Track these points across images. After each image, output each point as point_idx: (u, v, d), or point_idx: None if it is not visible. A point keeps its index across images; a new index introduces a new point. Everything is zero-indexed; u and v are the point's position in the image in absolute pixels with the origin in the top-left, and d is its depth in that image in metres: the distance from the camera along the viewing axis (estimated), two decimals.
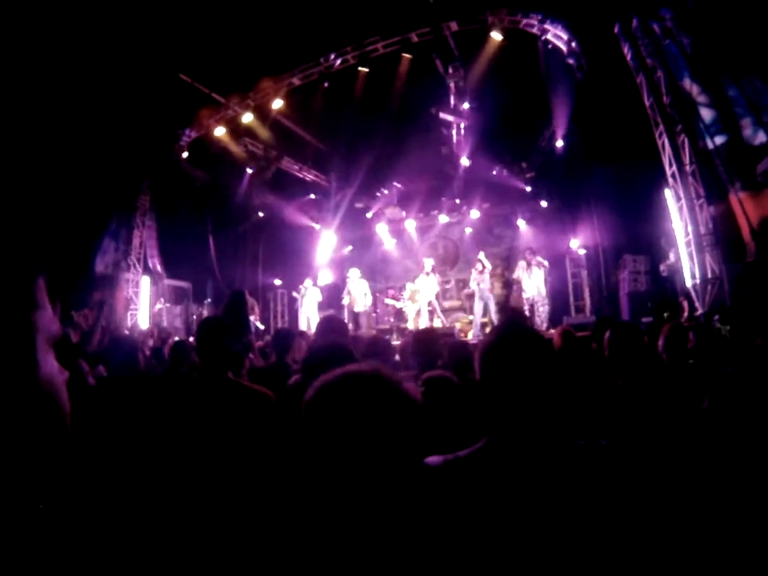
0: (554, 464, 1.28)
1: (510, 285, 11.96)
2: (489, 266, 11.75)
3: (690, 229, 9.20)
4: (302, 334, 8.51)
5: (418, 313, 12.10)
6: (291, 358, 4.16)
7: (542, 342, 1.52)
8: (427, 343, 3.20)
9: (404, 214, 16.17)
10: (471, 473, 1.30)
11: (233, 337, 2.62)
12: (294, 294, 13.54)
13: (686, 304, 9.31)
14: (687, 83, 9.17)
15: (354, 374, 1.05)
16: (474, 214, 15.35)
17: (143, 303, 13.48)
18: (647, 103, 9.67)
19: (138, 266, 13.47)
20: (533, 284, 11.33)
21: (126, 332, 11.42)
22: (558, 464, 1.28)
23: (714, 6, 8.39)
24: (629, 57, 9.81)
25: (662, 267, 10.29)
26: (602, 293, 12.52)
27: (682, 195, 9.29)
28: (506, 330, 1.51)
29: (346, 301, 12.79)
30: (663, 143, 9.54)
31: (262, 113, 12.49)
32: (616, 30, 9.84)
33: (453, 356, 3.15)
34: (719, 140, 8.96)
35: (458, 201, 15.53)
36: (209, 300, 14.72)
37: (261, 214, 15.67)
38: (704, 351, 3.47)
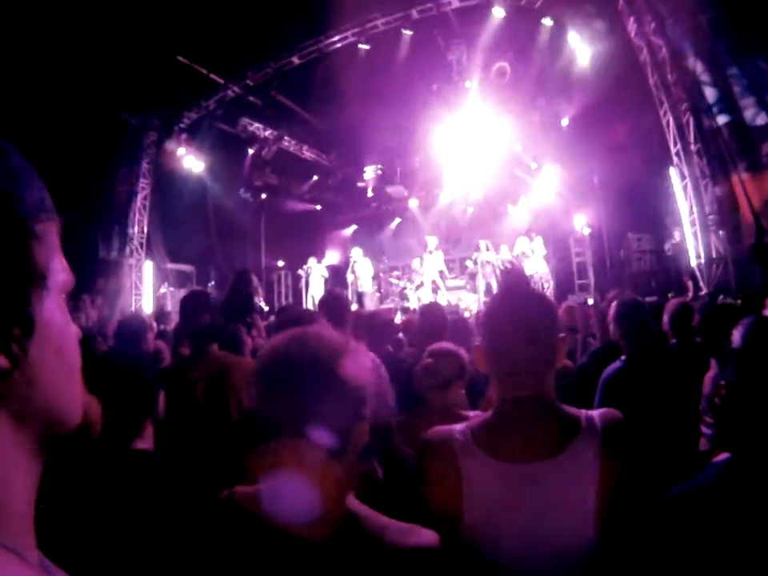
0: None
1: (512, 263, 11.93)
2: (494, 259, 11.73)
3: (695, 208, 9.13)
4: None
5: (420, 290, 12.11)
6: None
7: (546, 299, 1.45)
8: (433, 317, 3.18)
9: (406, 192, 16.09)
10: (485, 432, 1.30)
11: (214, 309, 2.63)
12: (300, 271, 13.50)
13: (690, 284, 9.28)
14: (691, 62, 9.03)
15: (297, 334, 1.06)
16: (477, 191, 15.22)
17: (146, 288, 13.49)
18: (651, 81, 9.52)
19: (140, 250, 13.44)
20: (535, 261, 11.32)
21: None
22: None
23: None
24: (633, 34, 9.65)
25: (666, 246, 10.22)
26: (606, 272, 12.46)
27: (686, 174, 9.20)
28: (508, 291, 1.47)
29: (350, 279, 12.81)
30: (668, 121, 9.42)
31: (261, 93, 12.38)
32: (620, 6, 9.68)
33: (454, 331, 3.15)
34: (722, 119, 8.84)
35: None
36: (212, 283, 14.70)
37: (263, 196, 15.57)
38: (709, 328, 3.43)
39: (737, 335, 1.44)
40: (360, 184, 16.09)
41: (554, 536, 1.20)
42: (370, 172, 15.70)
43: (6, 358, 0.43)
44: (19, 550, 0.43)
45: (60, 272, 0.49)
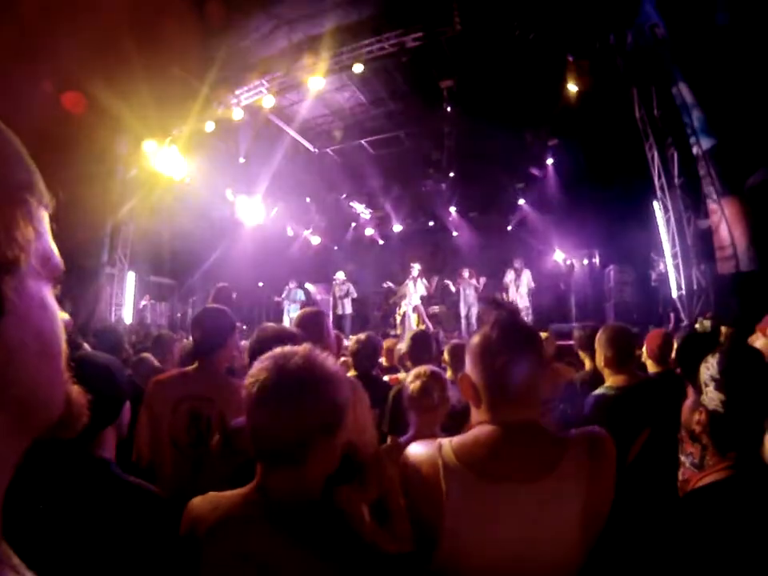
0: None
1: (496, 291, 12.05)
2: (478, 284, 11.87)
3: (677, 241, 9.27)
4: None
5: (404, 317, 12.06)
6: None
7: (536, 334, 1.48)
8: (423, 343, 3.20)
9: (392, 217, 16.21)
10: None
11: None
12: (277, 298, 13.36)
13: (672, 315, 9.38)
14: (680, 86, 9.02)
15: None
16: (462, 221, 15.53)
17: (128, 299, 13.30)
18: (638, 115, 9.63)
19: (123, 261, 13.25)
20: (519, 293, 11.48)
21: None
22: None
23: (705, 16, 8.28)
24: (622, 68, 9.80)
25: (653, 277, 10.36)
26: (588, 303, 12.58)
27: (669, 207, 9.34)
28: (503, 324, 1.47)
29: (331, 302, 12.77)
30: (653, 156, 9.56)
31: (251, 111, 12.35)
32: (611, 41, 9.82)
33: (453, 354, 3.19)
34: (707, 143, 8.80)
35: (450, 208, 15.65)
36: (194, 298, 14.53)
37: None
38: (686, 357, 3.45)
39: (715, 363, 1.45)
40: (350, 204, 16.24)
41: (540, 554, 1.20)
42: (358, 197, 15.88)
43: None
44: None
45: (47, 256, 0.47)
